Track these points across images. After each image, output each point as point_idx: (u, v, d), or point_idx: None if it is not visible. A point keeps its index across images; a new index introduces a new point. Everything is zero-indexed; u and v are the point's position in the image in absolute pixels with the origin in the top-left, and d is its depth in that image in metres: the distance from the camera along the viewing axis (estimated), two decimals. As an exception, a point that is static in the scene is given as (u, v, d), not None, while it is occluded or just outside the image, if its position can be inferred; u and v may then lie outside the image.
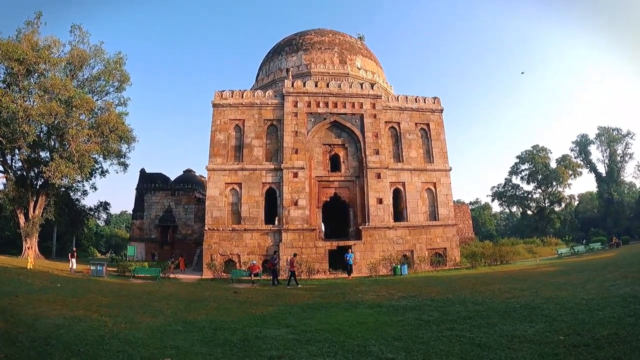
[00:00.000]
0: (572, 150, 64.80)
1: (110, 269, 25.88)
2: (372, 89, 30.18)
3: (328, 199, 27.95)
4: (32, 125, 27.28)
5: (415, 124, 30.96)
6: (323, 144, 28.46)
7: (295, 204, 26.50)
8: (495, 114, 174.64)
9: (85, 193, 36.37)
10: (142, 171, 38.88)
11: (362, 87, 29.94)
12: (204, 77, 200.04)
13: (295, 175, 26.85)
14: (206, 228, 26.32)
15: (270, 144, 27.96)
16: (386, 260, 25.64)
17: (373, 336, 8.03)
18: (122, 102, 33.42)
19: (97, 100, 32.35)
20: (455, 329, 8.21)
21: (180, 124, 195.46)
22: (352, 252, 24.94)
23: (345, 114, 28.92)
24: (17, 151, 30.31)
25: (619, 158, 67.35)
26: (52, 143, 30.50)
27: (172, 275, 24.48)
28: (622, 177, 67.89)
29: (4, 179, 31.48)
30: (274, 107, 28.27)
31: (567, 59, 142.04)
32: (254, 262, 23.46)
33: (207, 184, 26.93)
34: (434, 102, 31.96)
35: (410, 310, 10.99)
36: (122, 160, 32.77)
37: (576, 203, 70.06)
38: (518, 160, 62.12)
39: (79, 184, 35.06)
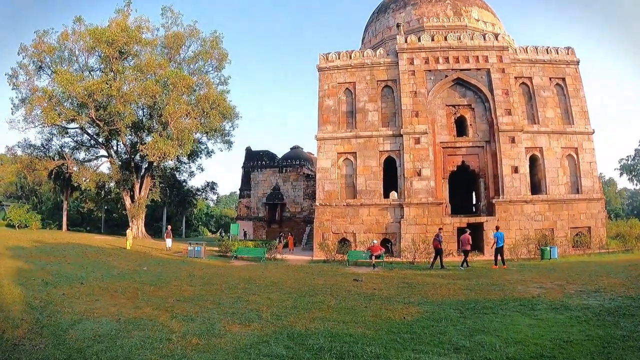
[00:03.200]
0: None
1: (214, 248, 23.14)
2: (497, 40, 24.10)
3: (455, 169, 22.73)
4: (127, 106, 25.28)
5: (550, 78, 24.59)
6: (446, 105, 23.15)
7: (419, 174, 21.65)
8: (625, 68, 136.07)
9: (192, 174, 34.99)
10: (248, 149, 36.56)
11: (484, 38, 24.01)
12: (306, 52, 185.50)
13: (417, 141, 21.91)
14: (317, 203, 22.50)
15: (386, 108, 23.22)
16: (527, 240, 20.14)
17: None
18: (223, 80, 31.01)
19: (197, 81, 29.89)
20: None
21: (284, 101, 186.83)
22: (493, 230, 19.44)
23: (468, 69, 23.31)
24: (118, 136, 28.79)
25: None
26: (153, 124, 28.55)
27: (279, 256, 20.98)
28: None
29: (109, 162, 30.49)
30: (387, 67, 23.41)
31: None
32: (375, 241, 19.09)
33: (317, 155, 23.03)
34: (568, 53, 25.24)
35: (617, 315, 7.25)
36: (226, 138, 30.26)
37: None
38: None
39: (185, 166, 33.58)
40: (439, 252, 16.36)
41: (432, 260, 16.94)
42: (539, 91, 24.12)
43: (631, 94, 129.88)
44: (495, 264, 15.90)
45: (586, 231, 23.02)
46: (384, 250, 18.68)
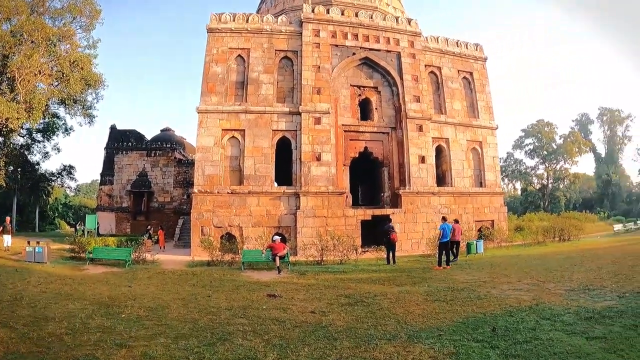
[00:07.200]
0: (571, 128, 57.29)
1: (65, 247, 16.34)
2: (410, 25, 21.14)
3: (357, 155, 18.91)
4: None
5: (458, 71, 22.62)
6: (351, 85, 19.35)
7: (318, 159, 17.41)
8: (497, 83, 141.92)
9: (47, 155, 26.58)
10: (113, 128, 28.85)
11: (397, 21, 20.93)
12: (185, 26, 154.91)
13: (318, 121, 17.69)
14: (195, 190, 17.12)
15: (284, 81, 18.68)
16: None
17: None
18: (92, 44, 23.46)
19: (62, 44, 22.40)
20: None
21: (158, 79, 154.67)
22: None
23: (378, 50, 19.90)
24: None
25: (618, 140, 59.88)
26: (1, 88, 20.70)
27: (149, 257, 14.80)
28: (620, 160, 60.58)
29: None
30: (288, 36, 18.96)
31: (572, 41, 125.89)
32: (276, 238, 13.31)
33: (197, 131, 17.49)
34: (477, 49, 23.73)
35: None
36: (88, 111, 23.06)
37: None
38: (523, 133, 52.60)
39: (39, 145, 25.42)
40: (391, 245, 13.06)
41: (387, 256, 13.50)
42: (447, 82, 21.80)
43: (506, 98, 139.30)
44: (439, 265, 11.76)
45: (490, 224, 21.44)
46: (288, 248, 13.58)
